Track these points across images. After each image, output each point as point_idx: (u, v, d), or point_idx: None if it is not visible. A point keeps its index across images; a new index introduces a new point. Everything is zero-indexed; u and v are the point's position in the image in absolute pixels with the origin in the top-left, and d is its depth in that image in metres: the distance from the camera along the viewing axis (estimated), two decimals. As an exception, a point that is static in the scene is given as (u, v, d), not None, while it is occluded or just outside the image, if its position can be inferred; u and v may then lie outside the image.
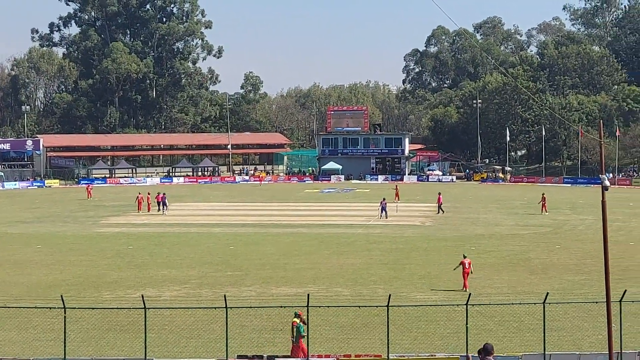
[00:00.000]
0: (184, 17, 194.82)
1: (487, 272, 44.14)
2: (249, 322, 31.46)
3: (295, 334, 27.56)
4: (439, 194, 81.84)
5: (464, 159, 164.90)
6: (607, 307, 23.70)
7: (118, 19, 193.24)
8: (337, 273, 44.67)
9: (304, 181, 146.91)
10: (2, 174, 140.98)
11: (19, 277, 44.05)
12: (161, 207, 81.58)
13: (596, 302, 27.65)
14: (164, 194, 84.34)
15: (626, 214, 77.63)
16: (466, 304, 26.62)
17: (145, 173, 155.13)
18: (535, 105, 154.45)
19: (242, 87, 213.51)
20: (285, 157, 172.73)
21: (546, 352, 26.44)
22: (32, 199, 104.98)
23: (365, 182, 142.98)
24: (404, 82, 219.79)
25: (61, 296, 27.18)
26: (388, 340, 26.44)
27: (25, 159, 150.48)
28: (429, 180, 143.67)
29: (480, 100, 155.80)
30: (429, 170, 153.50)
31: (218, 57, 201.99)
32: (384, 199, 77.58)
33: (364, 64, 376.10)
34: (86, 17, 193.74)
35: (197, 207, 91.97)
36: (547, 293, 27.84)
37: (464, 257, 39.27)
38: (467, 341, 26.49)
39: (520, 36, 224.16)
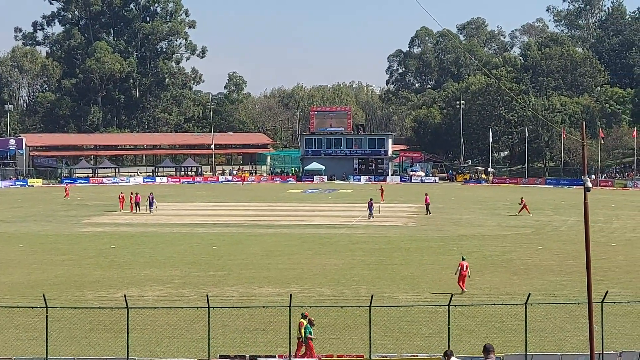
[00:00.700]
0: (168, 17, 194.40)
1: (471, 273, 44.26)
2: (232, 322, 31.42)
3: (303, 335, 27.72)
4: (426, 194, 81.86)
5: (446, 160, 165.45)
6: (588, 308, 23.77)
7: (102, 18, 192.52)
8: (319, 273, 44.69)
9: (287, 181, 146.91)
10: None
11: (1, 276, 43.77)
12: (140, 207, 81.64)
13: (578, 303, 27.76)
14: (151, 193, 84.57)
15: (608, 215, 77.97)
16: (448, 305, 26.67)
17: (128, 173, 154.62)
18: (518, 106, 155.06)
19: (225, 87, 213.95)
20: (269, 158, 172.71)
21: (528, 353, 26.52)
22: (15, 198, 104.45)
23: (348, 182, 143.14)
24: (387, 82, 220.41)
25: (43, 295, 27.08)
26: (370, 340, 26.48)
27: (8, 158, 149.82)
28: (412, 181, 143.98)
29: (463, 101, 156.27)
30: (411, 171, 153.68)
31: (202, 57, 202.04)
32: (371, 199, 77.82)
33: (347, 65, 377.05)
34: (70, 16, 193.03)
35: (180, 207, 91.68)
36: (529, 294, 27.95)
37: (463, 259, 39.06)
38: (449, 342, 26.52)
39: (504, 37, 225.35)
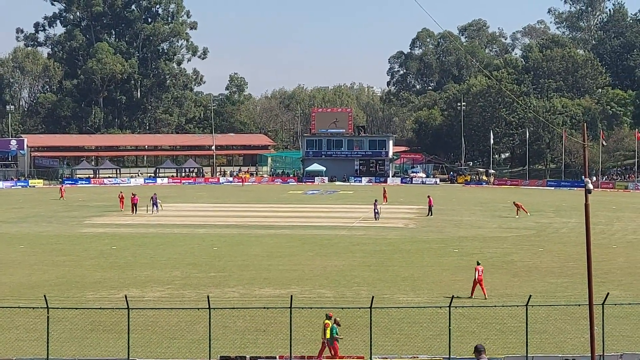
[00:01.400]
0: (169, 18, 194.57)
1: (469, 274, 44.16)
2: (232, 323, 31.45)
3: (329, 335, 27.75)
4: (429, 196, 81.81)
5: (447, 162, 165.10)
6: (589, 310, 23.78)
7: (103, 19, 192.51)
8: (320, 275, 44.67)
9: (288, 182, 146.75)
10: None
11: (2, 277, 43.77)
12: (138, 209, 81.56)
13: (579, 305, 27.77)
14: (154, 194, 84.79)
15: (609, 217, 77.85)
16: (449, 306, 26.67)
17: (130, 173, 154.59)
18: (519, 108, 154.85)
19: (226, 89, 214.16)
20: (269, 159, 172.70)
21: (529, 355, 26.53)
22: (16, 199, 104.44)
23: (349, 184, 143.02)
24: (388, 84, 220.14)
25: (44, 296, 27.16)
26: (371, 342, 26.50)
27: (9, 159, 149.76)
28: (413, 182, 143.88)
29: (464, 103, 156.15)
30: (412, 172, 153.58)
31: (203, 58, 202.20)
32: (376, 201, 77.96)
33: (348, 66, 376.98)
34: (71, 17, 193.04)
35: (181, 208, 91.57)
36: (530, 296, 27.96)
37: (478, 263, 38.74)
38: (449, 343, 26.56)
39: (505, 39, 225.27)
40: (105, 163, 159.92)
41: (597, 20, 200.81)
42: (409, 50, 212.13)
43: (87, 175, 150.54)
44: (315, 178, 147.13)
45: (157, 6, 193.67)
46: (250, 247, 56.77)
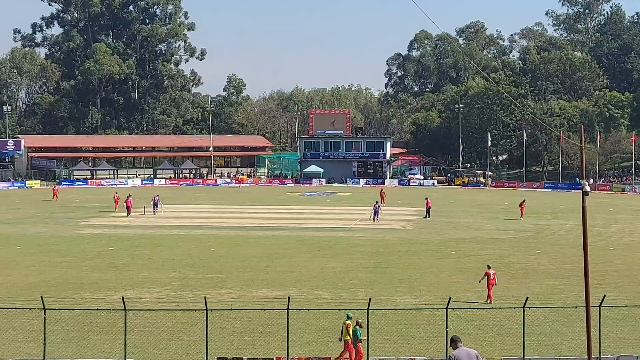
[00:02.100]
0: (167, 19, 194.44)
1: (467, 276, 44.24)
2: (230, 324, 31.44)
3: (349, 337, 27.73)
4: (427, 198, 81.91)
5: (445, 163, 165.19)
6: (586, 312, 23.77)
7: (101, 20, 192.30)
8: (318, 276, 44.70)
9: (286, 184, 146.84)
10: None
11: (-1, 277, 43.69)
12: (131, 211, 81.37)
13: (575, 307, 27.81)
14: (157, 195, 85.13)
15: (606, 220, 78.01)
16: (446, 308, 26.71)
17: (127, 175, 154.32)
18: (517, 110, 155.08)
19: (224, 90, 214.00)
20: (267, 160, 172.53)
21: (525, 357, 26.60)
22: (13, 200, 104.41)
23: (346, 185, 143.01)
24: (386, 86, 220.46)
25: (41, 297, 27.06)
26: (368, 343, 26.52)
27: (7, 160, 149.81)
28: (410, 184, 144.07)
29: (462, 105, 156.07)
30: (410, 174, 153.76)
31: (201, 59, 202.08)
32: (376, 202, 78.15)
33: (346, 68, 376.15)
34: (69, 17, 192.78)
35: (178, 209, 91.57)
36: (527, 297, 27.98)
37: (489, 267, 38.49)
38: (446, 345, 26.53)
39: (503, 41, 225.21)
40: (102, 164, 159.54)
41: (595, 22, 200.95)
42: (407, 52, 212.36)
43: (85, 177, 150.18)
44: (313, 180, 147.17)
45: (155, 7, 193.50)
46: (247, 248, 56.83)
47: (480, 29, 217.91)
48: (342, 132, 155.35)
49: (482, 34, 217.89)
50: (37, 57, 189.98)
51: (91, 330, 31.53)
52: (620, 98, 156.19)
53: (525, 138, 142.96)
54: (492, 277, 37.78)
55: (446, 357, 27.00)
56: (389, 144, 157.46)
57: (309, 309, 30.44)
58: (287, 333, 27.11)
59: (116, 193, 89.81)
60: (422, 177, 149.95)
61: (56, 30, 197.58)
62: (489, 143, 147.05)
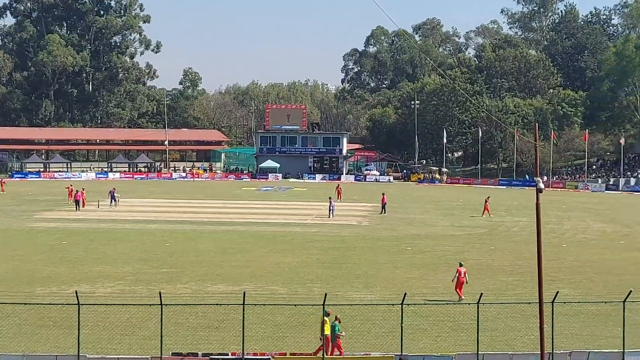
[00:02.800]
0: (122, 11, 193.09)
1: (422, 271, 44.54)
2: (184, 319, 31.36)
3: (328, 332, 27.62)
4: (383, 194, 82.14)
5: (401, 160, 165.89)
6: (539, 308, 24.07)
7: (54, 10, 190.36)
8: (273, 271, 44.73)
9: (242, 179, 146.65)
10: None
11: (-51, 271, 43.11)
12: (81, 205, 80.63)
13: (529, 303, 28.06)
14: (113, 188, 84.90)
15: (559, 217, 78.87)
16: (401, 304, 26.79)
17: (81, 168, 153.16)
18: (472, 107, 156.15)
19: (180, 83, 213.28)
20: (223, 155, 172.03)
21: (479, 352, 26.76)
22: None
23: (302, 181, 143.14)
24: (342, 81, 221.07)
25: (-7, 291, 26.84)
26: (323, 339, 26.53)
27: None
28: (367, 180, 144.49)
29: (418, 102, 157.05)
30: (366, 170, 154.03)
31: (156, 52, 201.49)
32: (330, 198, 78.39)
33: (303, 63, 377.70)
34: (22, 8, 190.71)
35: (132, 203, 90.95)
36: (481, 293, 28.16)
37: (460, 265, 38.35)
38: (401, 340, 26.70)
39: (459, 38, 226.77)
40: (55, 157, 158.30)
41: (550, 21, 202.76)
42: (364, 48, 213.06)
43: (37, 169, 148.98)
44: (269, 175, 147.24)
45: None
46: (202, 243, 56.71)
47: (436, 26, 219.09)
48: (298, 127, 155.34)
49: (438, 31, 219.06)
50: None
51: (44, 324, 31.29)
52: (573, 96, 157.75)
53: (480, 135, 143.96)
54: (462, 275, 37.69)
55: (400, 352, 27.20)
56: (345, 139, 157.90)
57: (264, 304, 30.52)
58: (243, 328, 27.08)
59: (71, 185, 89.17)
60: (378, 173, 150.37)
61: (9, 20, 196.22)
62: (445, 140, 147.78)
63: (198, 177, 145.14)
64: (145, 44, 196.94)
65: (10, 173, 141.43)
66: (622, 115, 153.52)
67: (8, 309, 29.85)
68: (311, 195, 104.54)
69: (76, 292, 28.01)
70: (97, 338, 29.21)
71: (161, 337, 26.86)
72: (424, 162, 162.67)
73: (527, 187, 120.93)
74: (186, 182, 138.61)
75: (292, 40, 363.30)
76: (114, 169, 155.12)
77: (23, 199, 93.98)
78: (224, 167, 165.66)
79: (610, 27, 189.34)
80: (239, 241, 57.79)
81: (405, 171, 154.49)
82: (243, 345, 27.10)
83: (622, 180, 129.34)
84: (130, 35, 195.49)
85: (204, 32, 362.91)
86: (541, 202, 24.66)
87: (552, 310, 27.30)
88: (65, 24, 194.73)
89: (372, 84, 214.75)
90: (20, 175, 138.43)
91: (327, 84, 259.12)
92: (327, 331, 27.93)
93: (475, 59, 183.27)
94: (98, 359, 26.58)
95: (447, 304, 33.79)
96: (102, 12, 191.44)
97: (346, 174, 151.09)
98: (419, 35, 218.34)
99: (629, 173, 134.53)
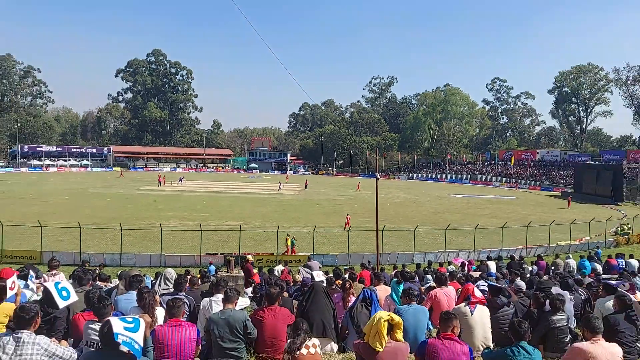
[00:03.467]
0: (184, 92, 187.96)
1: (322, 215, 43.72)
2: (212, 237, 30.28)
3: (290, 245, 26.81)
4: (306, 180, 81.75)
5: (315, 164, 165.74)
6: (377, 234, 23.69)
7: (152, 90, 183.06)
8: (253, 215, 43.25)
9: (240, 172, 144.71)
10: None
11: None
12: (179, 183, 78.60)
13: (369, 231, 27.81)
14: (183, 176, 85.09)
15: (386, 191, 78.48)
16: (313, 231, 26.32)
17: (163, 165, 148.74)
18: (348, 140, 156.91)
19: (211, 126, 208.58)
20: (232, 160, 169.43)
21: (350, 252, 26.67)
22: None
23: (268, 173, 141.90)
24: (288, 126, 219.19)
25: None
26: (277, 247, 26.15)
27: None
28: (299, 173, 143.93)
29: (322, 137, 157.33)
30: (298, 169, 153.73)
31: (200, 111, 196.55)
32: (279, 182, 77.61)
33: (268, 118, 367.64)
34: (135, 89, 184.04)
35: (189, 183, 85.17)
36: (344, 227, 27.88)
37: (347, 215, 38.91)
38: (313, 250, 26.48)
39: (342, 108, 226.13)
40: (151, 160, 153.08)
41: (384, 100, 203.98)
42: (298, 112, 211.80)
43: (142, 166, 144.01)
44: (253, 170, 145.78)
45: (177, 86, 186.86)
46: (222, 201, 55.04)
47: (332, 103, 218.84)
48: (267, 148, 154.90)
49: (332, 104, 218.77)
50: (119, 107, 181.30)
51: (145, 239, 29.84)
52: (393, 136, 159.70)
53: (351, 153, 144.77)
54: (348, 219, 37.23)
55: (313, 253, 26.99)
56: (289, 154, 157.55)
57: (250, 231, 30.16)
58: (239, 241, 26.29)
59: (159, 174, 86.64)
60: (304, 170, 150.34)
61: (128, 95, 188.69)
62: (335, 155, 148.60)
63: (220, 171, 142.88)
64: (195, 108, 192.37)
65: (129, 167, 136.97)
66: (416, 145, 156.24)
67: (127, 232, 29.05)
68: (273, 180, 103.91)
69: (160, 225, 27.43)
70: (170, 246, 28.58)
71: (200, 245, 26.50)
72: (325, 166, 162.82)
73: (372, 178, 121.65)
74: (214, 173, 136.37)
75: (258, 105, 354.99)
76: (180, 167, 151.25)
77: (133, 179, 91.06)
78: (232, 166, 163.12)
79: (411, 104, 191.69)
80: (238, 201, 56.82)
81: (316, 169, 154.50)
82: (240, 249, 26.85)
83: (415, 175, 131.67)
84: (188, 102, 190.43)
85: (226, 104, 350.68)
86: (378, 184, 24.93)
87: (382, 235, 27.19)
88: (156, 97, 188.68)
89: (301, 128, 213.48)
90: (133, 169, 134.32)
91: (280, 128, 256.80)
92: (289, 243, 27.88)
93: (349, 117, 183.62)
94: (170, 256, 26.16)
95: (337, 231, 33.72)
96: (174, 92, 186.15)
97: (289, 170, 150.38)
98: (325, 106, 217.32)
99: (418, 172, 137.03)
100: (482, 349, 7.82)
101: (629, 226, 38.24)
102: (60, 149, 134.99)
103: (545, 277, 14.63)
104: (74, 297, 7.64)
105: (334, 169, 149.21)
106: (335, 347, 8.04)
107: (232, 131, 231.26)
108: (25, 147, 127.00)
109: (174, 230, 32.33)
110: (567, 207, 59.15)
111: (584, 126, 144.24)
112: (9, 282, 7.82)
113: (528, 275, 16.01)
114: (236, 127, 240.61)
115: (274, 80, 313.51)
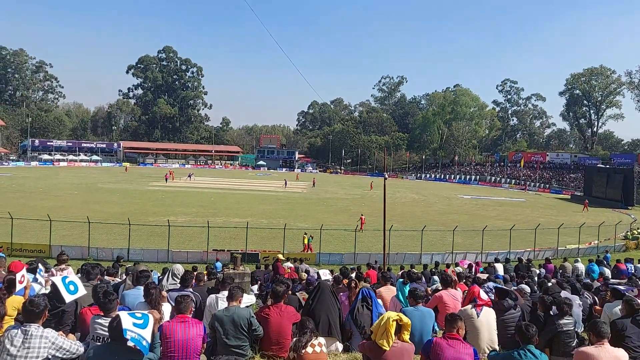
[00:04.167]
0: (194, 89, 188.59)
1: (330, 214, 43.71)
2: (219, 233, 30.18)
3: (307, 243, 26.70)
4: (314, 178, 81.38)
5: (323, 163, 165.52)
6: (383, 234, 23.81)
7: (162, 87, 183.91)
8: (259, 212, 43.16)
9: (248, 169, 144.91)
10: None
11: None
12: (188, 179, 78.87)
13: (378, 230, 27.79)
14: (192, 172, 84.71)
15: (394, 191, 78.32)
16: (320, 229, 26.24)
17: (172, 162, 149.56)
18: (357, 139, 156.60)
19: (220, 123, 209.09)
20: (240, 158, 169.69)
21: (357, 252, 26.51)
22: None
23: (277, 171, 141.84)
24: (297, 124, 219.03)
25: None
26: (284, 246, 26.13)
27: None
28: (307, 171, 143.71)
29: (331, 136, 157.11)
30: (306, 167, 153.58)
31: (210, 108, 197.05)
32: (285, 179, 77.36)
33: (278, 116, 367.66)
34: (146, 85, 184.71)
35: (198, 179, 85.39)
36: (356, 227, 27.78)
37: (362, 215, 37.38)
38: (320, 249, 26.40)
39: (351, 107, 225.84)
40: (160, 156, 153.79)
41: (394, 100, 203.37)
42: (307, 110, 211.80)
43: (151, 162, 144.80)
44: (261, 167, 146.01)
45: (188, 82, 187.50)
46: (229, 198, 55.08)
47: (341, 102, 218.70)
48: (275, 146, 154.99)
49: (341, 103, 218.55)
50: (129, 103, 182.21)
51: (151, 234, 30.04)
52: (402, 136, 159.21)
53: (359, 152, 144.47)
54: (363, 219, 36.18)
55: (319, 250, 26.90)
56: (297, 152, 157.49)
57: (257, 228, 30.04)
58: (246, 237, 26.47)
59: (169, 170, 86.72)
60: (311, 168, 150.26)
61: (139, 90, 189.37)
62: (343, 154, 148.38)
63: (228, 168, 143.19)
64: (204, 105, 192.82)
65: (138, 163, 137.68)
66: (425, 145, 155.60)
67: (135, 227, 29.15)
68: (280, 178, 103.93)
69: (168, 221, 27.50)
70: (178, 242, 28.65)
71: (208, 241, 26.53)
72: (333, 164, 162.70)
73: (380, 177, 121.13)
74: (222, 170, 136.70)
75: (264, 106, 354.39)
76: (188, 164, 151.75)
77: (143, 175, 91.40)
78: (240, 163, 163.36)
79: (421, 104, 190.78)
80: (245, 198, 56.83)
81: (324, 168, 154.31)
82: (246, 246, 26.88)
83: (423, 175, 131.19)
84: (197, 99, 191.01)
85: (236, 102, 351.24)
86: (386, 184, 24.80)
87: (389, 235, 27.12)
88: (166, 93, 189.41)
89: (310, 127, 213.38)
90: (142, 165, 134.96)
91: (288, 125, 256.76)
92: (306, 241, 27.76)
93: (358, 116, 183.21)
94: (177, 252, 26.20)
95: (344, 230, 33.58)
96: (184, 89, 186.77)
97: (297, 168, 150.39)
98: (334, 105, 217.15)
99: (426, 172, 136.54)
100: (487, 351, 7.77)
101: (639, 231, 37.84)
102: (71, 144, 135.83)
103: (553, 281, 14.50)
104: (82, 291, 7.68)
105: (342, 168, 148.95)
106: (340, 346, 8.03)
107: (240, 128, 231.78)
108: (36, 141, 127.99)
109: (181, 226, 32.40)
110: (583, 210, 58.62)
111: (594, 129, 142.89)
112: (18, 276, 7.89)
113: (536, 278, 15.86)
114: (245, 125, 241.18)
115: (283, 78, 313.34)
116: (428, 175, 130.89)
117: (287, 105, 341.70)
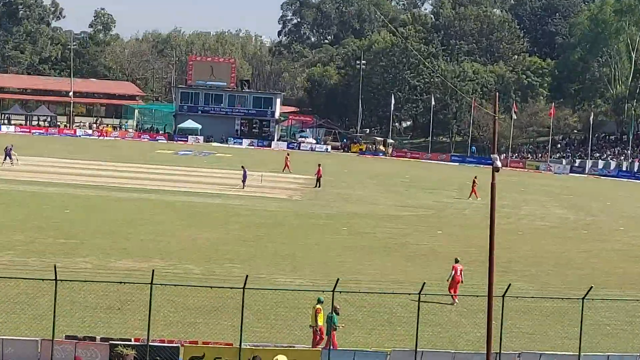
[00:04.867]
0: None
1: (358, 255, 44.66)
2: (82, 298, 31.03)
3: (326, 325, 27.39)
4: (319, 165, 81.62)
5: (341, 127, 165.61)
6: (488, 303, 24.22)
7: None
8: (188, 247, 44.55)
9: (157, 140, 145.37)
10: None
11: None
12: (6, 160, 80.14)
13: (477, 296, 28.31)
14: (11, 145, 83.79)
15: (516, 200, 79.54)
16: (332, 291, 26.86)
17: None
18: (425, 71, 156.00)
19: (90, 26, 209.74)
20: (137, 111, 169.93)
21: (418, 349, 26.90)
22: None
23: (227, 145, 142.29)
24: (279, 34, 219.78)
25: None
26: (242, 327, 26.45)
27: None
28: (301, 148, 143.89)
29: (364, 62, 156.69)
30: (301, 137, 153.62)
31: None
32: (243, 167, 77.64)
33: (234, 10, 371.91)
34: None
35: (29, 162, 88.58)
36: (424, 283, 28.29)
37: (456, 261, 37.11)
38: (329, 330, 26.74)
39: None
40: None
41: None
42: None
43: None
44: (189, 137, 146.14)
45: None
46: (109, 211, 56.14)
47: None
48: (225, 83, 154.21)
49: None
50: None
51: None
52: (540, 64, 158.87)
53: (433, 103, 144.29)
54: (458, 274, 36.46)
55: (328, 347, 27.19)
56: (278, 100, 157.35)
57: (175, 285, 30.32)
58: (149, 311, 26.88)
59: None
60: (314, 141, 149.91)
61: None
62: (392, 107, 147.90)
63: (106, 136, 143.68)
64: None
65: None
66: (594, 89, 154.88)
67: None
68: (236, 162, 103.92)
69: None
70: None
71: (54, 317, 26.55)
72: (368, 132, 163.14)
73: (482, 165, 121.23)
74: (92, 140, 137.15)
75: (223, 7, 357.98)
76: (9, 122, 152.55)
77: None
78: (137, 125, 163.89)
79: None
80: (150, 211, 57.46)
81: (345, 140, 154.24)
82: (149, 331, 26.90)
83: (589, 162, 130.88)
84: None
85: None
86: (497, 183, 24.75)
87: (503, 305, 27.46)
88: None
89: (312, 39, 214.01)
90: None
91: (261, 36, 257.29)
92: (321, 321, 27.79)
93: (432, 16, 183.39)
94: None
95: (384, 293, 33.74)
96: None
97: (278, 140, 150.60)
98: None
99: (597, 154, 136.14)
100: None
101: None
102: None
103: None
104: None
105: (390, 140, 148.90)
106: None
107: (139, 39, 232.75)
108: None
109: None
110: None
111: None
112: None
113: None
114: (152, 30, 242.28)
115: None
116: (601, 164, 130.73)
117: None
